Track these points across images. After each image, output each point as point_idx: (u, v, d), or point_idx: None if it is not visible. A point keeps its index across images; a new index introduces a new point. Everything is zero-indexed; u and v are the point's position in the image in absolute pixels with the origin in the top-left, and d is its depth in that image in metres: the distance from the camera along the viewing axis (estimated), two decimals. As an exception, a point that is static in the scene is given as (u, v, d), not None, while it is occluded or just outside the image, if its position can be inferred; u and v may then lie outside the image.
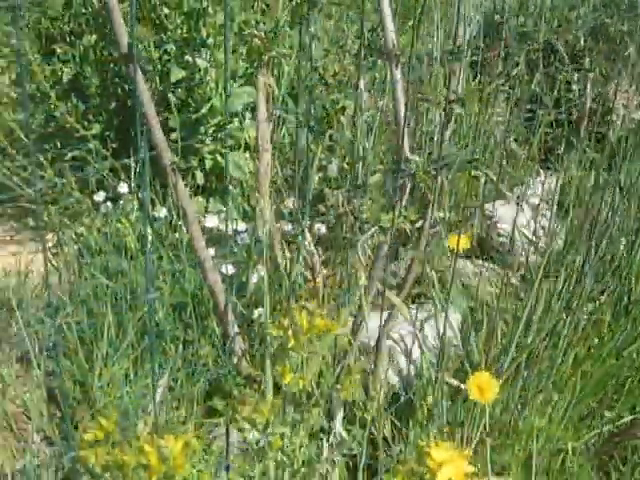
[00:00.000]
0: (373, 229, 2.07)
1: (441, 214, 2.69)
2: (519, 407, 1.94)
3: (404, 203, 2.13)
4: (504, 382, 1.88)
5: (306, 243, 2.10)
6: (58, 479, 2.11)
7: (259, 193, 2.00)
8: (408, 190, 2.11)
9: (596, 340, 2.20)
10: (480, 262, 2.98)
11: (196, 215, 2.42)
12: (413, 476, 0.93)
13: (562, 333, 2.06)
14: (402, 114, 2.09)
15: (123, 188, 2.64)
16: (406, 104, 2.12)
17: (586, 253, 2.23)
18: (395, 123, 2.14)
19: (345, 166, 2.76)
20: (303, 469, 1.17)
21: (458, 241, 1.77)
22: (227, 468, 1.06)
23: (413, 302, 2.82)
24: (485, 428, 1.43)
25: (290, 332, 1.04)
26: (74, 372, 2.27)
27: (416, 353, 2.38)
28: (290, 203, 2.75)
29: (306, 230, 2.12)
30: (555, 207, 2.88)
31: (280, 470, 1.14)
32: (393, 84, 2.09)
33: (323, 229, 2.70)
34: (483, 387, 1.34)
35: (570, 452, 1.91)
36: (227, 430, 1.27)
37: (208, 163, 2.85)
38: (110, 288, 2.40)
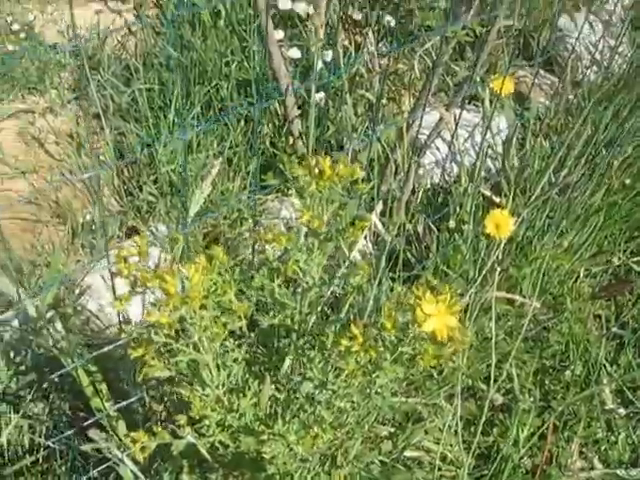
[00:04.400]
0: (436, 38, 1.99)
1: (510, 22, 2.56)
2: (541, 232, 1.96)
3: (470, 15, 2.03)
4: (534, 206, 1.89)
5: (369, 45, 2.03)
6: (122, 230, 2.23)
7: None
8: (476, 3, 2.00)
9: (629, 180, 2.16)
10: (542, 73, 2.87)
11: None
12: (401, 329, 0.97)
13: (601, 165, 2.02)
14: None
15: (203, -40, 2.55)
16: None
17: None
18: None
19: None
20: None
21: (502, 85, 1.69)
22: (251, 277, 1.11)
23: (470, 103, 2.76)
24: (497, 257, 1.45)
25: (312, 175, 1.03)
26: (142, 136, 2.32)
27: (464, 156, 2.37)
28: (364, -9, 2.64)
29: (370, 33, 2.04)
30: (627, 25, 2.71)
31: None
32: None
33: (392, 22, 2.60)
34: (500, 224, 1.34)
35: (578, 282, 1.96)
36: (253, 246, 1.31)
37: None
38: (181, 60, 2.38)
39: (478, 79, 2.47)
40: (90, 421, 1.48)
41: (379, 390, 1.09)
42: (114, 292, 1.24)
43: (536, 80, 2.79)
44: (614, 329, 2.01)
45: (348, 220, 1.07)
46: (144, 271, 0.98)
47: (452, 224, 1.81)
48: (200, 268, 0.96)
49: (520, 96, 2.76)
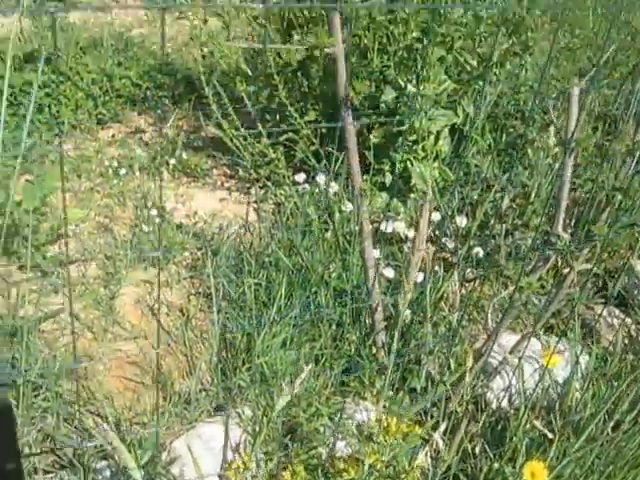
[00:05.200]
0: (510, 289, 2.33)
1: (588, 266, 2.89)
2: (589, 472, 2.21)
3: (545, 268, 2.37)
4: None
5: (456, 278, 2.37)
6: (212, 405, 2.57)
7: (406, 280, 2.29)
8: (552, 260, 2.34)
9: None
10: (617, 312, 3.16)
11: (370, 217, 2.74)
12: None
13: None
14: (564, 194, 2.31)
15: (321, 178, 3.01)
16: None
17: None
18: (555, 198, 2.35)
19: (513, 205, 3.00)
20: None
21: (549, 358, 2.01)
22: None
23: (545, 332, 3.06)
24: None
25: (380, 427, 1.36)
26: (244, 324, 2.71)
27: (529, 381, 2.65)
28: (458, 221, 3.03)
29: (456, 273, 2.40)
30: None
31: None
32: (563, 167, 2.30)
33: (481, 253, 2.97)
34: (535, 473, 1.63)
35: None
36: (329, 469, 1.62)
37: (399, 168, 3.17)
38: (288, 264, 2.80)
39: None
40: None
41: None
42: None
43: (608, 319, 3.10)
44: None
45: (404, 464, 1.38)
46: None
47: (495, 465, 2.08)
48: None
49: (591, 332, 3.05)
